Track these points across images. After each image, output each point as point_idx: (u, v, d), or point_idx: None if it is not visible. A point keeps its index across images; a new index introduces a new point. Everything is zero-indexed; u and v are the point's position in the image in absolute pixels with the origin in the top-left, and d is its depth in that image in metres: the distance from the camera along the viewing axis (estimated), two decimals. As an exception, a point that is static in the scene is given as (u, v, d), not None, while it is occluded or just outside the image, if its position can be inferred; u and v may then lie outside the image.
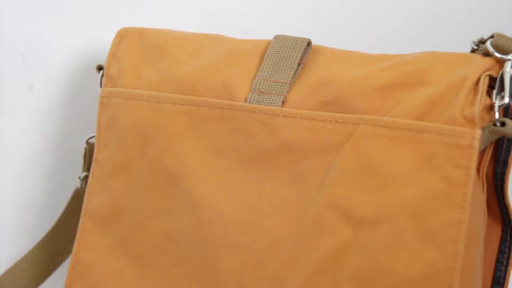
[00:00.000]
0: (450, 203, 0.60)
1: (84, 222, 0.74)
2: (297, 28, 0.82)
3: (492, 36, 0.64)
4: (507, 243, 0.67)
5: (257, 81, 0.68)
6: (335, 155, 0.65)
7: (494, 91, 0.62)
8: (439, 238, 0.60)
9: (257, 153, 0.67)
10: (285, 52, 0.69)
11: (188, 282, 0.69)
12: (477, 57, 0.64)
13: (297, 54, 0.68)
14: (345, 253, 0.63)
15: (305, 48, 0.69)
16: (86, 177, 0.77)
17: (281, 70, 0.68)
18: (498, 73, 0.62)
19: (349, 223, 0.63)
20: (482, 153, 0.64)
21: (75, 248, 0.74)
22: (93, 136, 0.77)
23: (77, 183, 0.80)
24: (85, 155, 0.78)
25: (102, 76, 0.75)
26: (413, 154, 0.62)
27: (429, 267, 0.60)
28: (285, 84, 0.67)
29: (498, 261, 0.67)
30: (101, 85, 0.75)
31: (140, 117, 0.72)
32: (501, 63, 0.63)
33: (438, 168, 0.61)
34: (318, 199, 0.64)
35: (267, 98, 0.68)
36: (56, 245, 0.82)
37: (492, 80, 0.62)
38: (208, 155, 0.69)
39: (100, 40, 0.83)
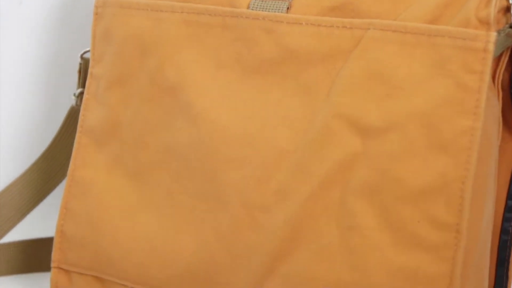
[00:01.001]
0: (463, 110, 0.59)
1: (80, 138, 0.73)
2: None
3: None
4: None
5: None
6: (343, 62, 0.63)
7: None
8: (451, 146, 0.59)
9: (261, 62, 0.66)
10: (290, -43, 0.67)
11: (190, 199, 0.68)
12: None
13: None
14: (353, 165, 0.62)
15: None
16: (82, 93, 0.76)
17: None
18: None
19: (357, 133, 0.62)
20: (497, 59, 0.63)
21: (71, 166, 0.73)
22: (88, 51, 0.75)
23: (72, 101, 0.78)
24: (80, 71, 0.76)
25: (97, -15, 0.73)
26: (425, 60, 0.60)
27: (440, 177, 0.59)
28: None
29: None
30: (95, -5, 0.73)
31: (137, 27, 0.70)
32: None
33: (451, 73, 0.59)
34: (325, 109, 0.63)
35: (271, 4, 0.66)
36: (51, 166, 0.81)
37: None
38: (209, 66, 0.67)
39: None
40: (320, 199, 0.63)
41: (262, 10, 0.66)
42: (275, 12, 0.65)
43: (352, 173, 0.62)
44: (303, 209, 0.63)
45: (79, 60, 0.76)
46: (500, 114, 0.64)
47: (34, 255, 0.84)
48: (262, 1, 0.66)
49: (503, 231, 0.65)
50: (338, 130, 0.62)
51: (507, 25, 0.60)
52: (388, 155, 0.61)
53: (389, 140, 0.61)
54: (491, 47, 0.59)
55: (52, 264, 0.73)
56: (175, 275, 0.68)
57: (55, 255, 0.73)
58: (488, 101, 0.60)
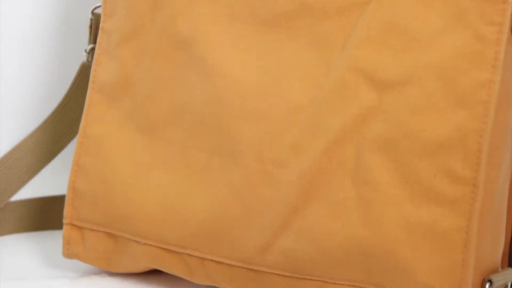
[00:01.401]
0: (481, 62, 0.59)
1: (91, 95, 0.73)
2: None
3: None
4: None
5: None
6: (359, 14, 0.63)
7: None
8: (468, 99, 0.59)
9: (275, 15, 0.65)
10: None
11: (203, 154, 0.67)
12: None
13: None
14: (368, 119, 0.62)
15: None
16: (93, 49, 0.75)
17: None
18: None
19: (373, 87, 0.62)
20: (517, 11, 0.62)
21: (82, 123, 0.73)
22: (99, 6, 0.75)
23: (84, 57, 0.78)
24: (91, 27, 0.76)
25: None
26: (442, 11, 0.60)
27: (457, 131, 0.59)
28: None
29: None
30: None
31: (149, -20, 0.69)
32: None
33: (469, 25, 0.59)
34: (340, 62, 0.63)
35: (285, -45, 0.65)
36: (62, 124, 0.80)
37: None
38: (222, 19, 0.67)
39: None
40: (335, 153, 0.63)
41: (276, -38, 0.65)
42: None
43: (368, 127, 0.62)
44: (318, 164, 0.63)
45: (90, 15, 0.76)
46: (518, 68, 0.63)
47: (46, 213, 0.84)
48: None
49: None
50: (354, 84, 0.62)
51: None
52: (404, 109, 0.61)
53: (406, 93, 0.61)
54: (510, -3, 0.58)
55: (64, 221, 0.73)
56: (188, 231, 0.68)
57: (67, 211, 0.73)
58: (507, 54, 0.60)
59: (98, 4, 0.75)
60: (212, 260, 0.68)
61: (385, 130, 0.61)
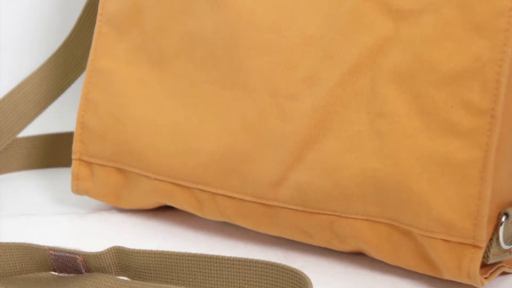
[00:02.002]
0: (501, -11, 0.58)
1: (100, 27, 0.72)
2: None
3: None
4: None
5: None
6: None
7: None
8: (487, 28, 0.58)
9: None
10: None
11: (215, 87, 0.67)
12: None
13: None
14: (384, 49, 0.61)
15: None
16: (101, -19, 0.75)
17: None
18: None
19: (389, 16, 0.61)
20: None
21: (91, 56, 0.72)
22: None
23: (91, -10, 0.77)
24: (98, -42, 0.75)
25: None
26: None
27: (475, 60, 0.59)
28: None
29: None
30: None
31: None
32: None
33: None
34: (355, -9, 0.62)
35: None
36: (70, 59, 0.80)
37: None
38: None
39: None
40: (350, 85, 0.62)
41: None
42: None
43: (383, 57, 0.61)
44: (332, 96, 0.63)
45: None
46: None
47: (53, 150, 0.84)
48: None
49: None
50: (369, 13, 0.62)
51: None
52: (421, 38, 0.60)
53: (423, 22, 0.60)
54: None
55: (73, 156, 0.73)
56: (199, 165, 0.68)
57: (75, 146, 0.73)
58: (527, -19, 0.59)
59: None
60: (223, 195, 0.68)
61: (401, 61, 0.61)
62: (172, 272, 0.62)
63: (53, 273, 0.64)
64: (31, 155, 0.83)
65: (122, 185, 0.72)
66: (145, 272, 0.63)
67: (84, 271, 0.63)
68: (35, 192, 0.79)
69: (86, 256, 0.62)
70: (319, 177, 0.63)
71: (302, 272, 0.59)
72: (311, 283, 0.58)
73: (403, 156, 0.60)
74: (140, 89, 0.70)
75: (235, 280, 0.62)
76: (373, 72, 0.62)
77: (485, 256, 0.60)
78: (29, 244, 0.62)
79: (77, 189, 0.74)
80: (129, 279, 0.62)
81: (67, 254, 0.62)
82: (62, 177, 0.81)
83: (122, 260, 0.62)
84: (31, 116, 0.79)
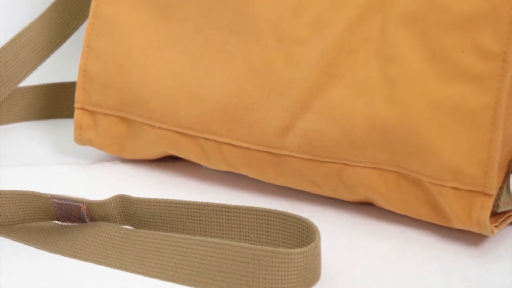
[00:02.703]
0: None
1: (102, -27, 0.71)
2: None
3: None
4: None
5: None
6: None
7: None
8: (499, -32, 0.58)
9: None
10: None
11: (220, 33, 0.66)
12: None
13: None
14: (395, -8, 0.61)
15: None
16: None
17: None
18: None
19: (400, -42, 0.61)
20: None
21: (93, 2, 0.72)
22: None
23: None
24: None
25: None
26: None
27: (487, 2, 0.58)
28: None
29: None
30: None
31: None
32: None
33: None
34: None
35: None
36: (72, 6, 0.79)
37: None
38: None
39: None
40: (359, 30, 0.62)
41: None
42: None
43: (394, 1, 0.61)
44: (341, 41, 0.62)
45: None
46: None
47: (55, 100, 0.83)
48: None
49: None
50: (379, -45, 0.61)
51: None
52: (433, -20, 0.59)
53: (435, -36, 0.59)
54: None
55: (76, 105, 0.73)
56: (205, 113, 0.67)
57: (78, 95, 0.72)
58: None
59: None
60: (229, 144, 0.67)
61: (412, 4, 0.60)
62: (177, 221, 0.62)
63: (56, 222, 0.64)
64: (32, 105, 0.82)
65: (125, 135, 0.72)
66: (150, 221, 0.63)
67: (87, 220, 0.63)
68: (37, 142, 0.79)
69: (90, 205, 0.62)
70: (327, 124, 0.63)
71: (310, 221, 0.59)
72: (318, 231, 0.58)
73: (413, 102, 0.60)
74: (144, 35, 0.70)
75: (241, 228, 0.61)
76: (383, 15, 0.61)
77: (495, 204, 0.60)
78: (32, 192, 0.62)
79: (80, 139, 0.73)
80: (133, 228, 0.62)
81: (71, 203, 0.62)
82: (64, 128, 0.81)
83: (126, 209, 0.62)
84: (33, 65, 0.78)
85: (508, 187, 0.60)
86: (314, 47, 0.63)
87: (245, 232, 0.61)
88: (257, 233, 0.61)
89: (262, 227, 0.61)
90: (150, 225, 0.63)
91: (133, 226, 0.63)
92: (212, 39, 0.67)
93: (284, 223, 0.60)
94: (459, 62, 0.59)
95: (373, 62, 0.61)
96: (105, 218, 0.62)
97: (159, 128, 0.69)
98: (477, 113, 0.59)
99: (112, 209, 0.62)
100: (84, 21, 0.80)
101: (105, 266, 0.59)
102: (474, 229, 0.60)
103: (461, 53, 0.59)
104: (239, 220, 0.61)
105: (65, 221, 0.63)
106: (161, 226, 0.63)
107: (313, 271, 0.57)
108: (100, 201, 0.62)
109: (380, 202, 0.64)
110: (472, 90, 0.59)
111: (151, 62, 0.69)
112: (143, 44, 0.69)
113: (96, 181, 0.72)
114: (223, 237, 0.62)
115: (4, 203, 0.62)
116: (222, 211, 0.62)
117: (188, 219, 0.62)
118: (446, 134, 0.59)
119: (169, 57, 0.68)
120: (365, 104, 0.61)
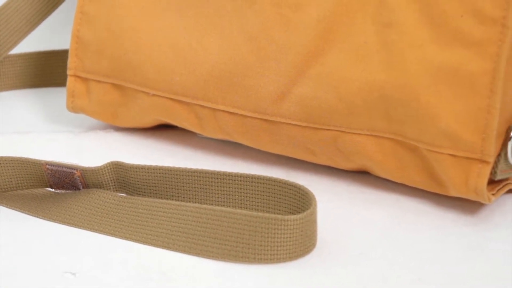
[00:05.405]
0: None
1: None
2: None
3: None
4: None
5: None
6: None
7: None
8: None
9: None
10: None
11: None
12: None
13: None
14: None
15: None
16: None
17: None
18: None
19: None
20: None
21: (86, -33, 0.72)
22: None
23: None
24: None
25: None
26: None
27: (487, -34, 0.58)
28: None
29: None
30: None
31: None
32: None
33: None
34: None
35: None
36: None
37: None
38: None
39: None
40: None
41: None
42: None
43: (391, -35, 0.61)
44: (338, 6, 0.62)
45: None
46: None
47: (47, 68, 0.84)
48: None
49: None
50: None
51: None
52: None
53: None
54: None
55: (68, 72, 0.73)
56: (200, 79, 0.68)
57: (71, 62, 0.73)
58: None
59: None
60: (224, 111, 0.68)
61: (410, -32, 0.60)
62: (171, 188, 0.63)
63: (50, 189, 0.64)
64: (24, 73, 0.83)
65: (119, 102, 0.72)
66: (144, 188, 0.63)
67: (81, 187, 0.63)
68: (28, 111, 0.79)
69: (84, 171, 0.62)
70: (324, 91, 0.63)
71: (306, 188, 0.59)
72: (314, 198, 0.58)
73: (410, 68, 0.60)
74: (137, 0, 0.70)
75: (237, 195, 0.62)
76: None
77: (493, 172, 0.61)
78: (25, 158, 0.62)
79: (73, 106, 0.74)
80: (127, 195, 0.63)
81: (64, 169, 0.62)
82: (56, 96, 0.81)
83: (120, 176, 0.63)
84: (24, 32, 0.79)
85: (505, 154, 0.61)
86: (310, 11, 0.63)
87: (241, 199, 0.62)
88: (253, 200, 0.62)
89: (258, 194, 0.62)
90: (145, 192, 0.63)
91: (127, 193, 0.64)
92: (207, 4, 0.67)
93: (280, 190, 0.61)
94: (457, 27, 0.59)
95: (370, 27, 0.62)
96: (99, 185, 0.63)
97: (153, 95, 0.70)
98: (475, 79, 0.59)
99: (106, 175, 0.63)
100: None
101: (99, 233, 0.60)
102: (471, 196, 0.61)
103: (460, 17, 0.59)
104: (235, 187, 0.62)
105: (58, 188, 0.63)
106: (156, 193, 0.63)
107: (309, 238, 0.58)
108: (94, 167, 0.62)
109: (377, 170, 0.65)
110: (471, 55, 0.59)
111: (145, 27, 0.69)
112: (137, 9, 0.70)
113: (89, 149, 0.72)
114: (218, 204, 0.62)
115: (-4, 169, 0.63)
116: (217, 178, 0.62)
117: (183, 186, 0.63)
118: (444, 100, 0.60)
119: (164, 22, 0.69)
120: (362, 70, 0.62)
